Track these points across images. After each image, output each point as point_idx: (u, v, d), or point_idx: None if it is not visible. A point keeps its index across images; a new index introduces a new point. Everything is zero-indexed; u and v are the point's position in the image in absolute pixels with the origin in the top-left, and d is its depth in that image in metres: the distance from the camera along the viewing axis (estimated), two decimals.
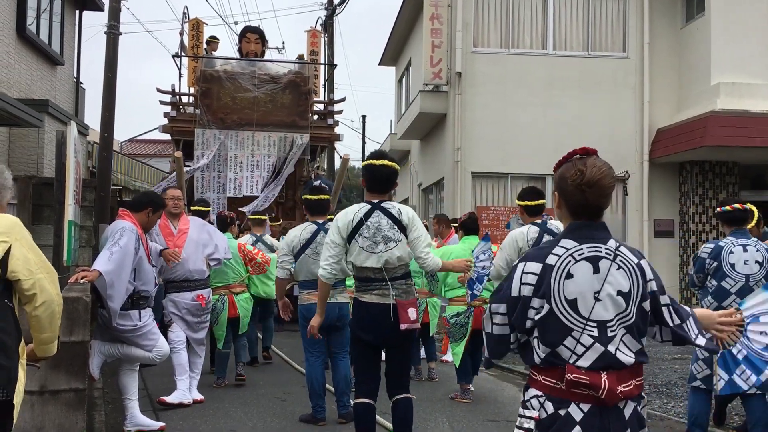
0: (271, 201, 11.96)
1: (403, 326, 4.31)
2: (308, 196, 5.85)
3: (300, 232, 5.77)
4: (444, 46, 14.01)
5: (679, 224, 14.12)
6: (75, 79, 15.11)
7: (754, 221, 5.51)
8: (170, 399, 5.96)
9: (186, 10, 14.26)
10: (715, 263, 4.88)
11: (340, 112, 13.49)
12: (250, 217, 8.89)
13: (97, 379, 5.47)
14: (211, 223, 7.23)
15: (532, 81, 13.95)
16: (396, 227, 4.37)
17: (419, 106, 14.66)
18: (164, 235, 6.05)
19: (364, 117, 33.37)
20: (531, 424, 2.21)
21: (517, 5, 14.22)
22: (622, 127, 13.91)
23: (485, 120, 13.80)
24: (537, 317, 2.24)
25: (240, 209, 10.99)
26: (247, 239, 8.23)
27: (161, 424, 5.39)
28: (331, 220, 5.44)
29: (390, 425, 5.34)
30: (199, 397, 6.22)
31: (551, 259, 2.24)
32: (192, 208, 7.58)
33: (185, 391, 6.04)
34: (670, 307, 2.38)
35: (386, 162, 4.46)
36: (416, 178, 18.84)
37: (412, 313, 4.37)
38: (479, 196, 13.99)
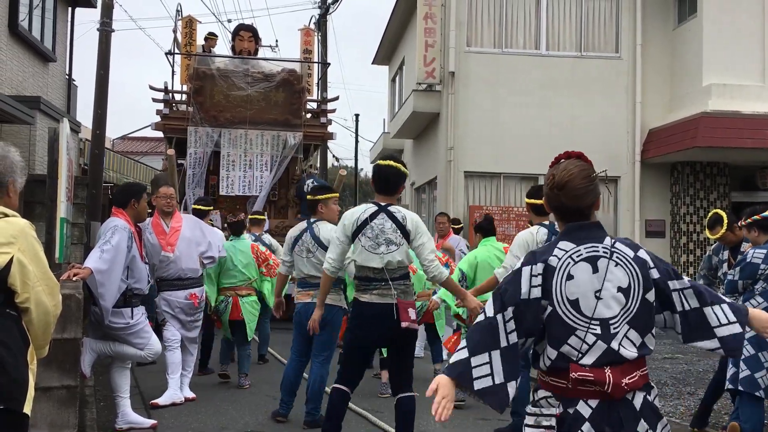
0: (264, 201, 11.99)
1: (404, 324, 4.36)
2: (308, 196, 5.88)
3: (292, 230, 5.86)
4: (437, 46, 14.02)
5: (670, 224, 14.19)
6: (67, 76, 15.05)
7: (724, 227, 5.62)
8: (162, 401, 5.94)
9: (179, 8, 14.24)
10: None
11: (333, 111, 13.56)
12: (249, 216, 8.91)
13: (88, 376, 5.45)
14: (211, 222, 7.21)
15: (525, 81, 13.98)
16: (399, 232, 4.43)
17: (412, 106, 14.67)
18: (156, 234, 6.01)
19: (357, 116, 33.40)
20: (552, 422, 2.23)
21: (511, 5, 14.25)
22: (614, 128, 13.96)
23: (478, 119, 13.83)
24: (544, 318, 2.26)
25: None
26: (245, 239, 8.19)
27: (153, 421, 5.39)
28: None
29: (384, 424, 5.39)
30: (191, 395, 6.21)
31: (552, 261, 2.28)
32: (193, 206, 7.61)
33: (177, 389, 6.04)
34: (683, 292, 2.33)
35: (390, 162, 4.54)
36: (409, 178, 18.83)
37: (411, 313, 4.43)
38: (472, 195, 14.02)
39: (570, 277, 2.25)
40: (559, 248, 2.30)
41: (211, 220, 7.74)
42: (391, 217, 4.46)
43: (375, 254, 4.43)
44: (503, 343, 2.23)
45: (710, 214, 5.90)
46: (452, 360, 2.28)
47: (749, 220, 5.18)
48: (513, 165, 13.86)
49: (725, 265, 5.82)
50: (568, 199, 2.34)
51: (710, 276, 6.17)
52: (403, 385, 4.50)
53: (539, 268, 2.27)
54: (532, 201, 5.45)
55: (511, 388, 2.20)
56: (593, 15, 14.41)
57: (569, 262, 2.27)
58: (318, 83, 15.86)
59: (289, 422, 5.64)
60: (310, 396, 5.48)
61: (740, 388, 4.91)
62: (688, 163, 13.81)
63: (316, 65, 15.38)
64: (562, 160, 2.40)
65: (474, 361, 2.21)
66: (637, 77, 14.05)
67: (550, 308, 2.24)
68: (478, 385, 2.19)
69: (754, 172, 14.10)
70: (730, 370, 5.04)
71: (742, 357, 4.92)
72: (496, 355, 2.21)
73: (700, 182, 13.95)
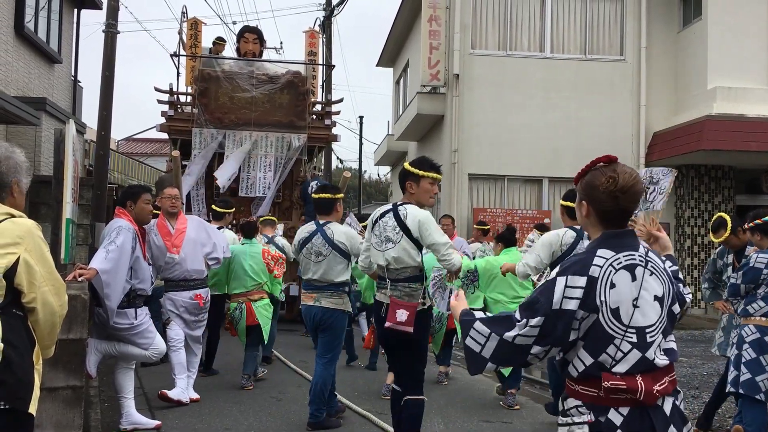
0: (270, 203, 12.02)
1: (387, 324, 4.34)
2: (313, 195, 5.85)
3: (300, 232, 5.82)
4: (442, 48, 14.04)
5: (674, 228, 14.18)
6: (73, 78, 15.10)
7: (728, 230, 5.62)
8: (171, 394, 5.96)
9: (184, 10, 14.27)
10: None
11: (337, 113, 13.51)
12: (261, 218, 8.96)
13: (94, 377, 5.48)
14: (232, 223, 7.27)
15: (529, 83, 13.99)
16: (398, 228, 4.44)
17: (417, 108, 14.68)
18: (162, 235, 6.02)
19: (361, 118, 33.43)
20: (584, 429, 2.23)
21: (515, 8, 14.27)
22: (618, 131, 13.96)
23: (482, 122, 13.84)
24: (581, 328, 2.24)
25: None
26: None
27: (157, 422, 5.40)
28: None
29: (385, 425, 5.40)
30: (195, 396, 6.22)
31: (594, 271, 2.24)
32: (213, 207, 7.71)
33: (184, 389, 6.05)
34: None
35: (405, 164, 4.67)
36: None
37: (401, 314, 4.35)
38: (475, 197, 14.03)
39: (612, 285, 2.23)
40: (599, 256, 2.27)
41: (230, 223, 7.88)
42: (395, 214, 4.48)
43: (380, 251, 4.53)
44: (507, 337, 2.26)
45: (714, 217, 5.91)
46: (466, 313, 2.41)
47: (753, 224, 5.19)
48: (517, 167, 13.87)
49: (730, 268, 5.82)
50: (628, 203, 2.31)
51: (715, 279, 6.17)
52: (408, 388, 4.48)
53: (580, 281, 2.23)
54: (569, 203, 5.44)
55: (491, 366, 2.30)
56: (598, 18, 14.41)
57: (610, 271, 2.25)
58: (322, 85, 15.88)
59: (292, 424, 5.65)
60: (313, 397, 5.45)
61: (741, 391, 4.92)
62: (693, 166, 13.79)
63: (320, 67, 15.40)
64: (601, 164, 2.36)
65: (477, 325, 2.32)
66: (641, 80, 14.04)
67: (593, 317, 2.22)
68: (467, 342, 2.33)
69: (759, 176, 14.09)
70: (732, 374, 5.04)
71: (744, 360, 4.93)
72: (494, 338, 2.28)
73: (704, 185, 13.93)
